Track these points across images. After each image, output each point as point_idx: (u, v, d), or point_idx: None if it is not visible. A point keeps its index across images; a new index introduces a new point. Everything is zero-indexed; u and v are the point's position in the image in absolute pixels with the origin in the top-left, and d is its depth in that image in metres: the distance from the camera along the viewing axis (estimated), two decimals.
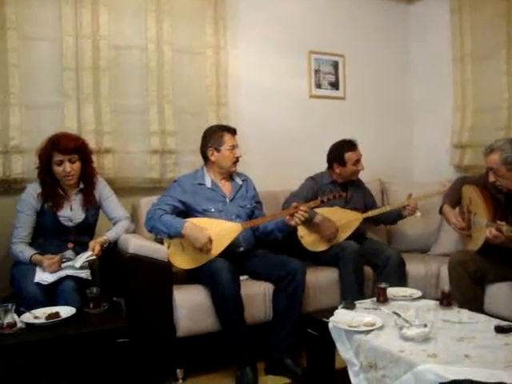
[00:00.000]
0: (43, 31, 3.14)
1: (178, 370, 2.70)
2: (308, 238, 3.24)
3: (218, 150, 2.99)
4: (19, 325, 2.22)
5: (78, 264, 2.61)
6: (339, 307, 2.39)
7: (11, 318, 2.20)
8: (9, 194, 3.05)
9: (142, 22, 3.38)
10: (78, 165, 2.79)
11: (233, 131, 3.04)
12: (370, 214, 3.38)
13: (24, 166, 3.05)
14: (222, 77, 3.60)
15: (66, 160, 2.73)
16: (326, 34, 4.14)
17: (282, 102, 3.93)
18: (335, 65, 4.18)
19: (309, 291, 2.94)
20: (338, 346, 2.20)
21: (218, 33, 3.60)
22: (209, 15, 3.57)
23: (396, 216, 3.46)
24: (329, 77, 4.16)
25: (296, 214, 2.81)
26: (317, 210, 3.18)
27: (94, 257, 2.66)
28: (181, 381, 2.68)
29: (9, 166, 3.04)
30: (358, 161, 3.38)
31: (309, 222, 3.17)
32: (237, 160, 3.02)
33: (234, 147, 3.00)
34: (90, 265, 2.69)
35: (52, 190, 2.77)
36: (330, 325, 2.23)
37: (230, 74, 3.68)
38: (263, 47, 3.87)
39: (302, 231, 3.22)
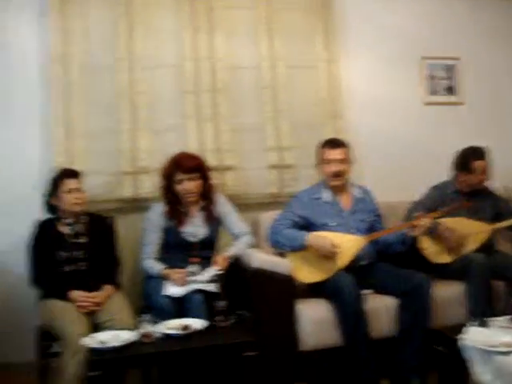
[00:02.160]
0: (165, 59, 3.35)
1: None
2: (431, 249, 3.11)
3: (321, 164, 3.01)
4: (155, 335, 2.35)
5: (206, 278, 2.72)
6: (470, 324, 2.26)
7: (148, 328, 2.35)
8: (138, 212, 3.26)
9: (255, 41, 3.49)
10: (198, 182, 2.91)
11: (332, 145, 2.98)
12: (498, 225, 3.16)
13: (151, 185, 3.25)
14: (335, 89, 3.59)
15: (187, 179, 2.87)
16: (439, 37, 3.97)
17: (395, 110, 3.84)
18: (450, 69, 3.99)
19: (434, 306, 2.81)
20: (474, 367, 2.08)
21: (328, 45, 3.61)
22: (319, 29, 3.60)
23: None
24: (444, 82, 3.99)
25: (417, 225, 2.72)
26: (441, 220, 3.05)
27: (221, 272, 2.75)
28: None
29: (138, 186, 3.26)
30: (485, 170, 3.18)
31: (431, 233, 3.04)
32: (334, 174, 2.94)
33: (330, 161, 2.95)
34: (216, 278, 2.79)
35: (175, 208, 2.92)
36: (464, 343, 2.12)
37: (344, 86, 3.66)
38: (374, 56, 3.81)
39: (424, 242, 3.10)
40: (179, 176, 2.87)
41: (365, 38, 3.79)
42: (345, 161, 2.97)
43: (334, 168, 2.93)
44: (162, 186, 2.97)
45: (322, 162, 3.00)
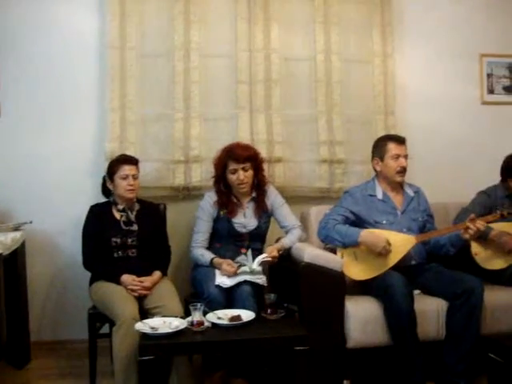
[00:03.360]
0: (221, 49, 3.37)
1: (345, 381, 2.69)
2: (483, 255, 3.02)
3: (382, 160, 2.94)
4: (206, 324, 2.36)
5: (254, 265, 2.72)
6: None
7: (199, 316, 2.35)
8: (189, 200, 3.31)
9: (311, 33, 3.47)
10: (250, 173, 2.91)
11: (400, 140, 2.93)
12: None
13: (202, 174, 3.28)
14: (389, 85, 3.54)
15: (240, 168, 2.87)
16: (501, 34, 3.85)
17: (451, 109, 3.75)
18: (511, 67, 3.88)
19: (485, 312, 2.74)
20: None
21: (385, 40, 3.56)
22: (376, 23, 3.55)
23: None
24: (503, 81, 3.87)
25: (471, 227, 2.66)
26: (492, 224, 2.96)
27: (269, 259, 2.75)
28: None
29: (189, 174, 3.29)
30: None
31: (483, 238, 2.96)
32: (402, 170, 2.90)
33: (398, 156, 2.90)
34: (264, 270, 2.79)
35: (227, 198, 2.94)
36: None
37: (398, 82, 3.60)
38: (431, 52, 3.74)
39: (476, 248, 3.01)
40: (232, 165, 2.87)
41: (422, 32, 3.72)
42: (407, 157, 2.94)
43: (404, 163, 2.89)
44: (214, 175, 2.98)
45: (385, 157, 2.91)
